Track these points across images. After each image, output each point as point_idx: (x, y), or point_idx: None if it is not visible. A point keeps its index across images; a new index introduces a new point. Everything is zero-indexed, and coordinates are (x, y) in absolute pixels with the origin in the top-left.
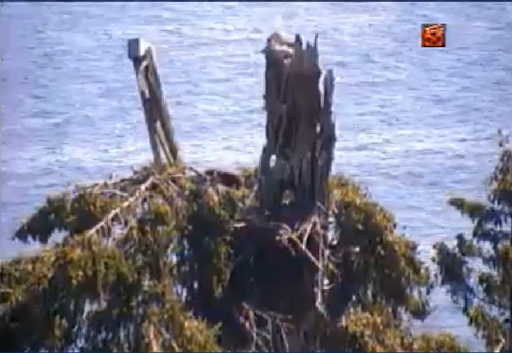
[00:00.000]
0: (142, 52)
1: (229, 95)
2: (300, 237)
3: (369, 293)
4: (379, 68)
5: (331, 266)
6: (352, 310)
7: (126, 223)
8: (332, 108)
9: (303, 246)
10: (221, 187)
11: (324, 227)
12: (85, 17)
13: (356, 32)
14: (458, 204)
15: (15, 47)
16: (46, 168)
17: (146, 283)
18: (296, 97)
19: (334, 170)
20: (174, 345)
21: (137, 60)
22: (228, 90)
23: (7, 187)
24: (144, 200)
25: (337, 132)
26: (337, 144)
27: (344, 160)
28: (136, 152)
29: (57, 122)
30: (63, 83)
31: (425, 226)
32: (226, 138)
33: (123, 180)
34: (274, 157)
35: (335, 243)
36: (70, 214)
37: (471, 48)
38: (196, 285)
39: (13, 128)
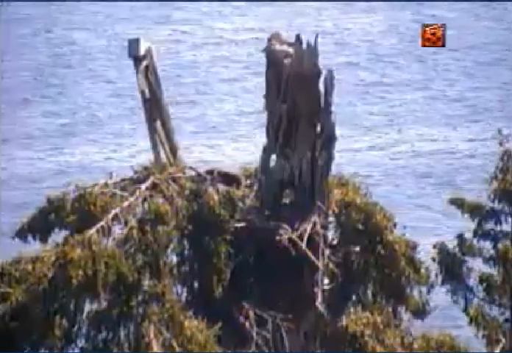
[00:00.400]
0: (142, 52)
1: (237, 95)
2: (300, 237)
3: (369, 292)
4: (388, 67)
5: (331, 266)
6: (352, 310)
7: (126, 223)
8: (333, 108)
9: (303, 246)
10: (222, 187)
11: (324, 227)
12: (94, 17)
13: (365, 32)
14: (458, 203)
15: (21, 47)
16: (54, 168)
17: (146, 283)
18: (296, 97)
19: (341, 170)
20: (174, 344)
21: (137, 60)
22: (237, 90)
23: (11, 187)
24: (144, 200)
25: (337, 132)
26: (345, 144)
27: (352, 160)
28: (144, 152)
29: (66, 122)
30: (72, 83)
31: (434, 226)
32: (235, 138)
33: (123, 180)
34: (274, 157)
35: (335, 242)
36: (70, 214)
37: (480, 48)
38: (196, 285)
39: (19, 128)
